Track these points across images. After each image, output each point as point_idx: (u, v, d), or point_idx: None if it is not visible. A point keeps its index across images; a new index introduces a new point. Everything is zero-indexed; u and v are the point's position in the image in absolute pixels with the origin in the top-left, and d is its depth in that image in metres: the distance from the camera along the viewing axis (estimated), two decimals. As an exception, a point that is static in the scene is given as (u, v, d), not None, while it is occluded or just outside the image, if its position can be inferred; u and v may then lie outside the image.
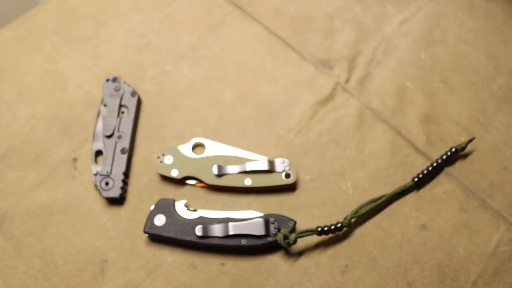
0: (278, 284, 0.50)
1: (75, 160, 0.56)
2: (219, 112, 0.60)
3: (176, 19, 0.66)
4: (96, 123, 0.57)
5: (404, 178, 0.56)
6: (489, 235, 0.52)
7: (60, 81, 0.61)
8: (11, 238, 0.52)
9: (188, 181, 0.55)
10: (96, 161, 0.55)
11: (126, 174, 0.55)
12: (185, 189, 0.55)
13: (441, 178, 0.56)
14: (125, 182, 0.55)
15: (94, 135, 0.56)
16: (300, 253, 0.52)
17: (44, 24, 0.65)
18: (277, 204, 0.54)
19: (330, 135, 0.58)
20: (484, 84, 0.62)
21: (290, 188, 0.55)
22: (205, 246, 0.51)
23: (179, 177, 0.54)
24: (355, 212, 0.52)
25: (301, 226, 0.53)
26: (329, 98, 0.61)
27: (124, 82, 0.59)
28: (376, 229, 0.53)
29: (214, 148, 0.56)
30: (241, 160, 0.55)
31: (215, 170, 0.54)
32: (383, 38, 0.65)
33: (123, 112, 0.58)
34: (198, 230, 0.50)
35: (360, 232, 0.53)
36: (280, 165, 0.54)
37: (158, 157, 0.55)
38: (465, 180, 0.55)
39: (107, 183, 0.54)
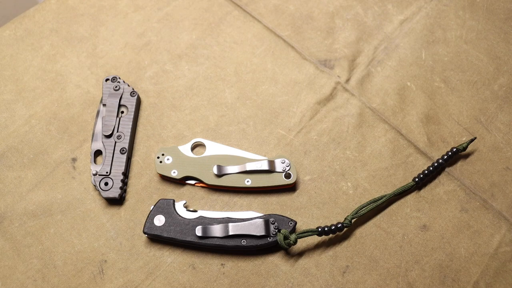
0: (278, 285, 0.50)
1: (74, 160, 0.56)
2: (219, 112, 0.60)
3: (176, 18, 0.66)
4: (95, 123, 0.57)
5: (405, 178, 0.56)
6: (490, 236, 0.52)
7: (59, 81, 0.61)
8: (10, 238, 0.52)
9: (188, 181, 0.55)
10: (95, 161, 0.55)
11: (126, 174, 0.55)
12: (185, 189, 0.55)
13: (442, 178, 0.55)
14: (124, 182, 0.54)
15: (93, 135, 0.56)
16: (301, 254, 0.52)
17: (43, 24, 0.65)
18: (277, 204, 0.54)
19: (331, 135, 0.58)
20: (485, 84, 0.61)
21: (290, 188, 0.55)
22: (205, 246, 0.51)
23: (179, 177, 0.54)
24: (356, 212, 0.52)
25: (301, 226, 0.53)
26: (330, 97, 0.60)
27: (124, 82, 0.59)
28: (376, 230, 0.53)
29: (214, 148, 0.56)
30: (241, 160, 0.55)
31: (215, 170, 0.53)
32: (383, 38, 0.65)
33: (122, 112, 0.58)
34: (198, 231, 0.50)
35: (360, 232, 0.53)
36: (280, 165, 0.54)
37: (158, 157, 0.54)
38: (466, 180, 0.55)
39: (106, 183, 0.53)
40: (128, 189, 0.55)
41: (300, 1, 0.68)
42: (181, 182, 0.55)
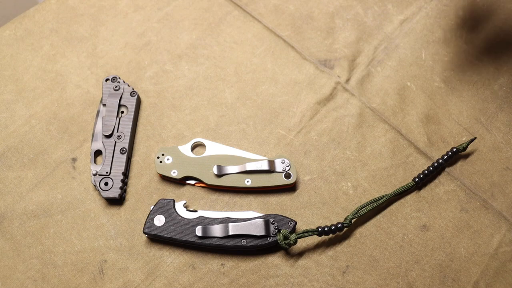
0: (278, 285, 0.50)
1: (74, 160, 0.56)
2: (219, 112, 0.60)
3: (176, 18, 0.66)
4: (95, 123, 0.57)
5: (405, 178, 0.56)
6: (490, 236, 0.52)
7: (59, 81, 0.61)
8: (10, 238, 0.52)
9: (188, 181, 0.55)
10: (95, 161, 0.55)
11: (126, 174, 0.55)
12: (185, 189, 0.55)
13: (442, 178, 0.55)
14: (124, 182, 0.54)
15: (93, 135, 0.56)
16: (301, 254, 0.52)
17: (43, 24, 0.65)
18: (277, 204, 0.54)
19: (331, 135, 0.58)
20: (485, 84, 0.61)
21: (290, 188, 0.55)
22: (205, 246, 0.51)
23: (179, 177, 0.54)
24: (356, 212, 0.52)
25: (301, 226, 0.53)
26: (330, 97, 0.60)
27: (124, 82, 0.59)
28: (376, 230, 0.53)
29: (214, 148, 0.56)
30: (241, 160, 0.55)
31: (215, 170, 0.53)
32: (384, 38, 0.65)
33: (122, 112, 0.58)
34: (198, 231, 0.50)
35: (360, 232, 0.53)
36: (280, 165, 0.54)
37: (158, 157, 0.54)
38: (466, 180, 0.55)
39: (106, 183, 0.53)
40: (128, 189, 0.55)
41: (300, 1, 0.68)
42: (181, 182, 0.55)
